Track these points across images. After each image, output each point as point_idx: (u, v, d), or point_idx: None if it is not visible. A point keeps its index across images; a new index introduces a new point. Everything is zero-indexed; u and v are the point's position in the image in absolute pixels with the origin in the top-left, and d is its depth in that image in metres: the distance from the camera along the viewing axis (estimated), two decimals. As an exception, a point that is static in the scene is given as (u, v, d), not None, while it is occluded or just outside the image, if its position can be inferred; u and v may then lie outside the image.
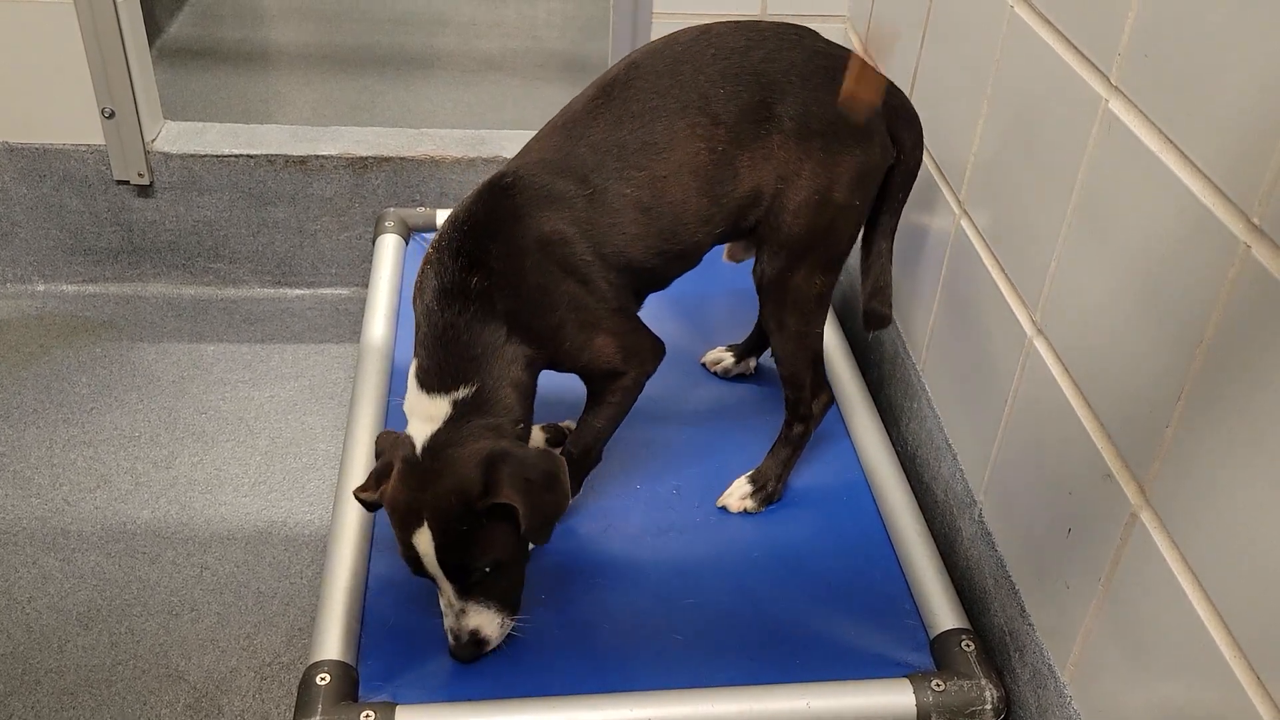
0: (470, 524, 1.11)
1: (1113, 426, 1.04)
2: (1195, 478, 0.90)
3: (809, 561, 1.37)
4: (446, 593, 1.16)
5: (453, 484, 1.11)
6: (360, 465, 1.43)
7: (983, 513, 1.33)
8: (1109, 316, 1.04)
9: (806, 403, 1.40)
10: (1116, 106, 1.03)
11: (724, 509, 1.44)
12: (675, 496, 1.46)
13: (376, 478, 1.17)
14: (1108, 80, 1.05)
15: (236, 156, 1.98)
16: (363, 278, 2.07)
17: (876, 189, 1.32)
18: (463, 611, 1.17)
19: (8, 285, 2.08)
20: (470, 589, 1.15)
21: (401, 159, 2.01)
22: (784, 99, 1.25)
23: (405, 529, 1.13)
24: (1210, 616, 0.88)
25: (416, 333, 1.21)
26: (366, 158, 2.00)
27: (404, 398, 1.20)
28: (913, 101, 1.45)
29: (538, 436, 1.46)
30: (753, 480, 1.45)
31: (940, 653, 1.24)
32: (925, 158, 1.54)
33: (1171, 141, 0.94)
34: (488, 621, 1.17)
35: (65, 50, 1.85)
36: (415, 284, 1.23)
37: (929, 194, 1.52)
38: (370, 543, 1.35)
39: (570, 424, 1.47)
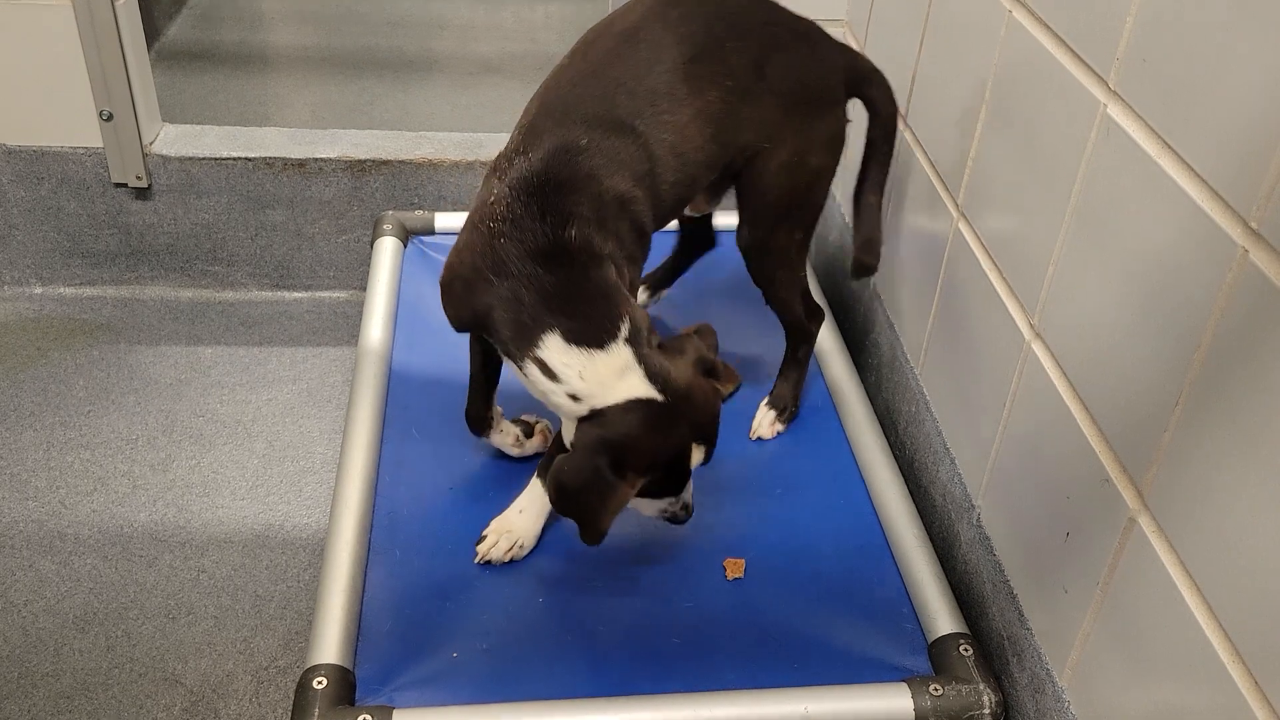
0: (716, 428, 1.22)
1: (1111, 431, 1.04)
2: (1193, 482, 0.90)
3: (806, 565, 1.37)
4: (686, 492, 1.23)
5: (704, 399, 1.19)
6: (358, 468, 1.43)
7: (981, 517, 1.33)
8: (1107, 320, 1.04)
9: (805, 327, 1.54)
10: (1115, 111, 1.03)
11: (759, 440, 1.54)
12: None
13: (620, 471, 1.13)
14: (1106, 85, 1.05)
15: (234, 159, 1.98)
16: (361, 280, 2.07)
17: (843, 151, 1.41)
18: (689, 490, 1.25)
19: (5, 288, 2.07)
20: None
21: (400, 162, 2.01)
22: (771, 61, 1.31)
23: (679, 459, 1.18)
24: (1208, 621, 0.88)
25: (516, 307, 1.15)
26: (365, 161, 2.00)
27: (556, 375, 1.15)
28: (911, 104, 1.45)
29: (510, 429, 1.46)
30: (773, 405, 1.57)
31: (938, 657, 1.24)
32: (923, 161, 1.54)
33: (1169, 146, 0.94)
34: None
35: (63, 53, 1.85)
36: (475, 268, 1.17)
37: (927, 197, 1.52)
38: (367, 546, 1.35)
39: (534, 418, 1.49)
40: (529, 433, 1.48)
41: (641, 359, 1.15)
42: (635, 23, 1.28)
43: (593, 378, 1.14)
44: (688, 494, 1.25)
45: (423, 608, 1.28)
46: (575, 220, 1.16)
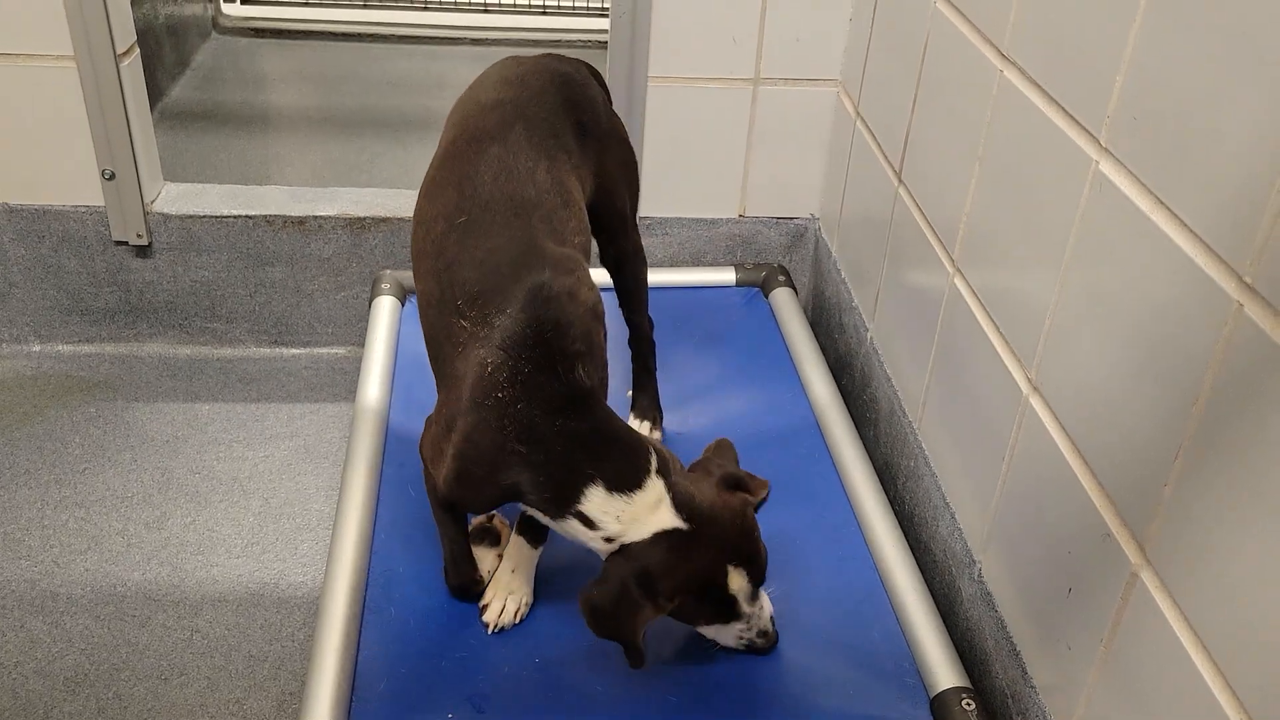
0: (759, 546, 1.24)
1: (1111, 485, 1.03)
2: (1195, 536, 0.90)
3: (807, 620, 1.35)
4: (744, 608, 1.22)
5: (732, 517, 1.20)
6: (354, 527, 1.42)
7: (982, 572, 1.32)
8: (1105, 374, 1.04)
9: (649, 329, 1.61)
10: (1107, 168, 1.04)
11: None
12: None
13: (648, 593, 1.15)
14: (1097, 142, 1.06)
15: (235, 217, 2.00)
16: (359, 337, 2.07)
17: None
18: (763, 609, 1.26)
19: (3, 345, 2.08)
20: None
21: (399, 220, 2.02)
22: (583, 115, 1.39)
23: (713, 581, 1.18)
24: (1213, 676, 0.87)
25: (552, 468, 1.14)
26: (364, 218, 2.02)
27: (595, 520, 1.15)
28: (906, 161, 1.47)
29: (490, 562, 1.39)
30: (643, 418, 1.61)
31: (940, 712, 1.23)
32: (918, 217, 1.55)
33: (1162, 202, 0.95)
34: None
35: (67, 112, 1.87)
36: (497, 445, 1.14)
37: (923, 253, 1.53)
38: (362, 605, 1.33)
39: (488, 519, 1.42)
40: (495, 540, 1.40)
41: (671, 489, 1.16)
42: (490, 153, 1.26)
43: (629, 518, 1.15)
44: (763, 620, 1.26)
45: (418, 668, 1.26)
46: (579, 359, 1.14)
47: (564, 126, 1.35)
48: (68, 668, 1.47)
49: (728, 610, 1.21)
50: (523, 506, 1.22)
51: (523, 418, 1.12)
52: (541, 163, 1.27)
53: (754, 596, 1.23)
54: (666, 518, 1.15)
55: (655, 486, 1.15)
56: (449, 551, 1.34)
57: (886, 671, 1.29)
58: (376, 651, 1.28)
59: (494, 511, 1.41)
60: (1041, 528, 1.17)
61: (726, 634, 1.25)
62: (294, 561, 1.65)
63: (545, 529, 1.31)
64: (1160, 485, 0.94)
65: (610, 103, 1.53)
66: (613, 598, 1.15)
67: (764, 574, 1.22)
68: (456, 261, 1.20)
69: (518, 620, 1.32)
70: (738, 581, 1.19)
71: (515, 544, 1.36)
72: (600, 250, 1.52)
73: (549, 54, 1.48)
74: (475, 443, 1.15)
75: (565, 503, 1.15)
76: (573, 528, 1.16)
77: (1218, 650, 0.87)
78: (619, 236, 1.51)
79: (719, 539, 1.18)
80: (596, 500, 1.14)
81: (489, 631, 1.31)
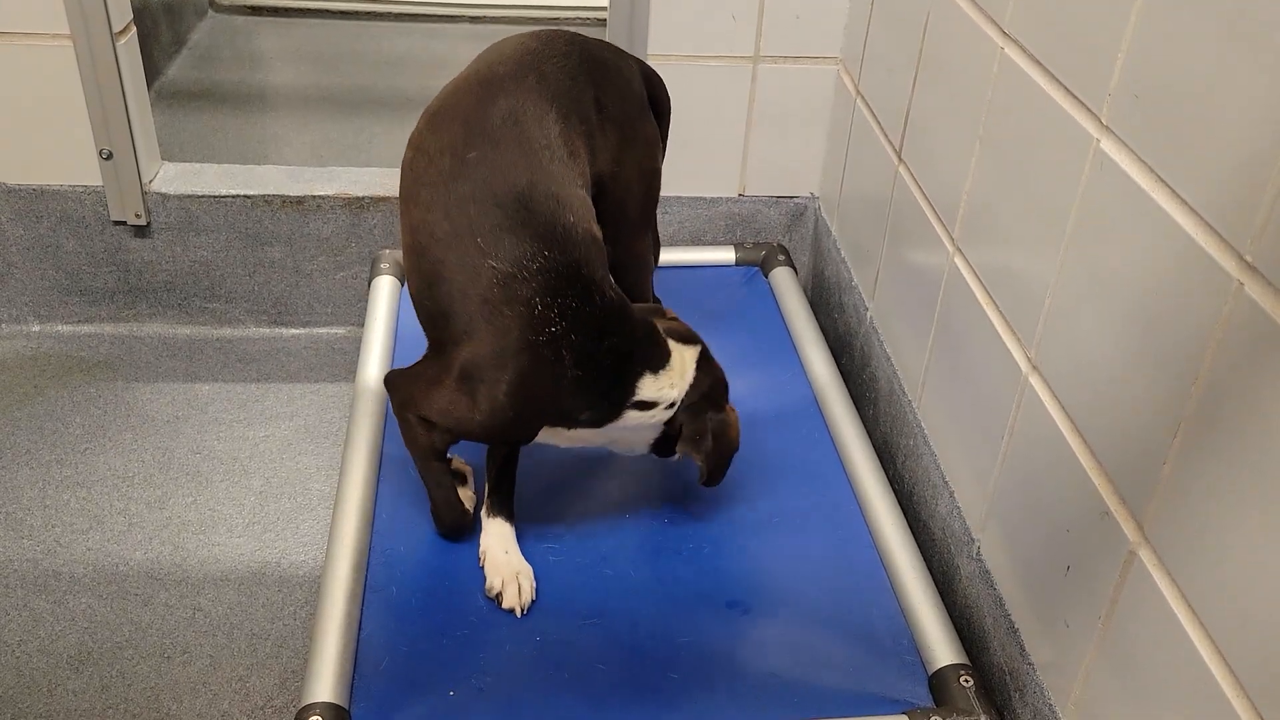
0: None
1: (1110, 463, 1.04)
2: (1193, 514, 0.90)
3: (805, 599, 1.36)
4: None
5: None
6: (355, 506, 1.43)
7: (981, 550, 1.33)
8: (1104, 353, 1.04)
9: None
10: (1108, 146, 1.04)
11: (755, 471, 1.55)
12: (668, 525, 1.45)
13: (713, 401, 1.34)
14: (1099, 120, 1.06)
15: (233, 197, 1.99)
16: (358, 317, 2.07)
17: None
18: None
19: (3, 326, 2.07)
20: None
21: (397, 199, 2.01)
22: (604, 93, 1.40)
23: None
24: (1211, 654, 0.87)
25: (603, 379, 1.26)
26: (363, 198, 2.01)
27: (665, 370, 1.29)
28: (906, 140, 1.46)
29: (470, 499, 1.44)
30: None
31: (939, 689, 1.24)
32: (918, 196, 1.55)
33: (1163, 180, 0.95)
34: None
35: (64, 91, 1.87)
36: (556, 376, 1.23)
37: (923, 232, 1.53)
38: (364, 583, 1.34)
39: (459, 462, 1.47)
40: (463, 479, 1.46)
41: (671, 334, 1.33)
42: (500, 96, 1.29)
43: (679, 378, 1.31)
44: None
45: (419, 645, 1.27)
46: (606, 282, 1.26)
47: (583, 95, 1.37)
48: (71, 646, 1.48)
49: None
50: (549, 437, 1.33)
51: (575, 345, 1.22)
52: (551, 113, 1.31)
53: None
54: (689, 354, 1.33)
55: (673, 345, 1.31)
56: (441, 497, 1.37)
57: (885, 649, 1.30)
58: (378, 630, 1.28)
59: (456, 457, 1.46)
60: (1040, 506, 1.17)
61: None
62: (295, 540, 1.66)
63: (512, 502, 1.40)
64: (1159, 464, 0.94)
65: (664, 116, 1.55)
66: (731, 430, 1.36)
67: None
68: (471, 197, 1.23)
69: (534, 596, 1.33)
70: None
71: (494, 526, 1.38)
72: None
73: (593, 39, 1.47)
74: (534, 375, 1.22)
75: (621, 401, 1.28)
76: (628, 420, 1.29)
77: (1215, 628, 0.87)
78: (620, 238, 1.47)
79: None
80: (649, 385, 1.28)
81: (518, 615, 1.31)
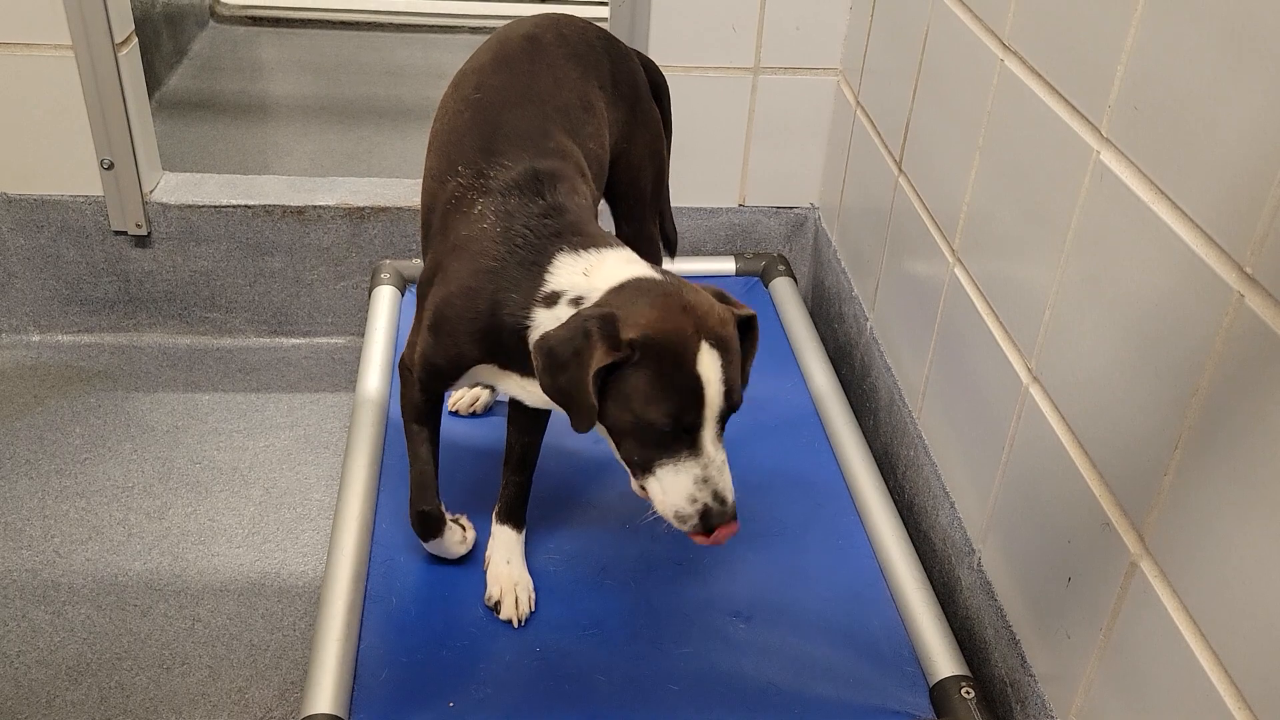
0: (737, 351, 1.07)
1: (1110, 475, 1.04)
2: (1194, 525, 0.90)
3: (806, 610, 1.36)
4: (707, 439, 1.04)
5: (710, 305, 1.06)
6: (355, 516, 1.43)
7: (981, 561, 1.33)
8: (1105, 364, 1.05)
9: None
10: (1108, 158, 1.04)
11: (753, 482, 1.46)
12: (667, 536, 1.45)
13: (605, 333, 1.02)
14: (1099, 132, 1.06)
15: (234, 207, 1.99)
16: (358, 326, 2.07)
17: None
18: (725, 464, 1.05)
19: (3, 336, 2.07)
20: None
21: (398, 209, 2.02)
22: (617, 70, 1.43)
23: (685, 349, 1.02)
24: (1212, 665, 0.87)
25: (527, 252, 1.13)
26: (363, 208, 2.01)
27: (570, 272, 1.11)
28: (906, 151, 1.46)
29: (455, 526, 1.38)
30: None
31: (940, 700, 1.23)
32: (918, 206, 1.55)
33: (1163, 192, 0.95)
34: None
35: (65, 102, 1.87)
36: (501, 257, 1.13)
37: (923, 242, 1.53)
38: (364, 594, 1.34)
39: (455, 516, 1.41)
40: (462, 533, 1.40)
41: (644, 260, 1.14)
42: (520, 53, 1.33)
43: (595, 269, 1.10)
44: (723, 479, 1.06)
45: (419, 656, 1.27)
46: (566, 194, 1.18)
47: (601, 63, 1.40)
48: (70, 657, 1.47)
49: (689, 426, 1.04)
50: (505, 385, 1.20)
51: (501, 236, 1.14)
52: (569, 70, 1.34)
53: (718, 434, 1.06)
54: (639, 269, 1.09)
55: (626, 250, 1.13)
56: (415, 474, 1.31)
57: (886, 660, 1.30)
58: (377, 640, 1.28)
59: (460, 515, 1.42)
60: (1041, 517, 1.17)
61: (677, 483, 1.06)
62: (295, 551, 1.65)
63: (523, 510, 1.37)
64: (1160, 475, 0.94)
65: (663, 99, 1.55)
66: (567, 337, 1.03)
67: (739, 397, 1.06)
68: (465, 132, 1.26)
69: (532, 608, 1.33)
70: (709, 365, 1.02)
71: (502, 534, 1.37)
72: (614, 227, 1.52)
73: None
74: (459, 272, 1.15)
75: (533, 292, 1.11)
76: (538, 317, 1.10)
77: (1216, 639, 0.87)
78: (633, 217, 1.51)
79: (697, 309, 1.05)
80: (563, 265, 1.10)
81: (515, 626, 1.31)
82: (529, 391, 1.19)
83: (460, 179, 1.22)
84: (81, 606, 1.55)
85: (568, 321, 1.05)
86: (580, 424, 1.05)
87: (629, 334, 1.02)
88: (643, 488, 1.10)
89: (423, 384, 1.26)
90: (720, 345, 1.04)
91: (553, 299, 1.10)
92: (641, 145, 1.48)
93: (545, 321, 1.10)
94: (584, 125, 1.32)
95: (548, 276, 1.11)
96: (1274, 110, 0.81)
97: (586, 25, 1.45)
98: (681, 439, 1.05)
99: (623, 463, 1.11)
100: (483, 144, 1.23)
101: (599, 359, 1.01)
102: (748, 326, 1.10)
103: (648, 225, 1.54)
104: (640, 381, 1.02)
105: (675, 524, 1.09)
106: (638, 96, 1.47)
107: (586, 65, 1.38)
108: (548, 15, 1.43)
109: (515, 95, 1.29)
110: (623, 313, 1.03)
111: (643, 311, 1.03)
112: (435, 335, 1.20)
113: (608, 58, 1.43)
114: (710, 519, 1.06)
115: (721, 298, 1.12)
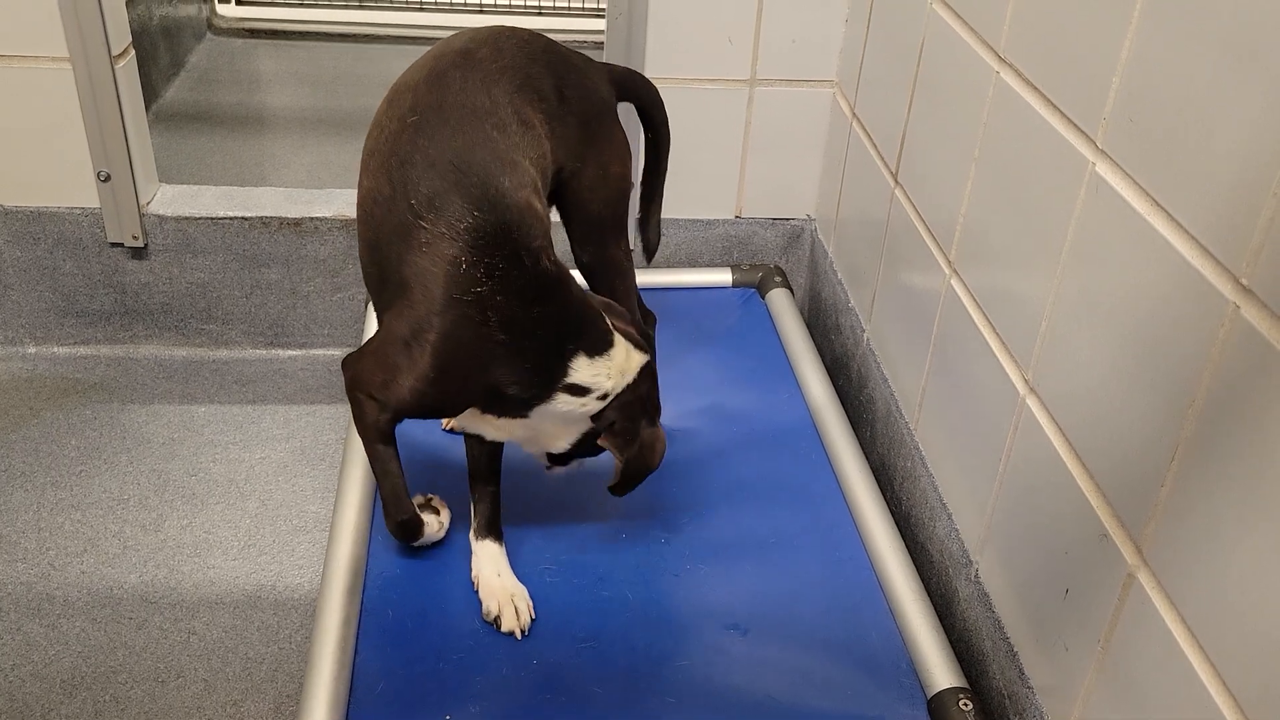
0: None
1: (1108, 486, 1.04)
2: (1192, 537, 0.90)
3: (803, 621, 1.36)
4: None
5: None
6: (351, 528, 1.42)
7: (979, 573, 1.33)
8: (1101, 376, 1.05)
9: (645, 331, 1.53)
10: (1103, 169, 1.04)
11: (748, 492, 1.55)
12: (664, 547, 1.45)
13: (649, 415, 1.32)
14: (1094, 144, 1.06)
15: (231, 219, 1.99)
16: (355, 338, 2.07)
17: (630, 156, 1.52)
18: None
19: (-1, 347, 2.07)
20: None
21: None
22: (566, 84, 1.39)
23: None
24: (1210, 677, 0.87)
25: (537, 352, 1.22)
26: (360, 220, 2.01)
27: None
28: (902, 163, 1.46)
29: (431, 517, 1.41)
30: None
31: (938, 713, 1.23)
32: (915, 218, 1.55)
33: (1159, 204, 0.95)
34: None
35: (62, 113, 1.87)
36: (480, 338, 1.19)
37: (920, 254, 1.53)
38: (360, 607, 1.33)
39: (424, 497, 1.44)
40: (436, 512, 1.43)
41: (623, 334, 1.28)
42: (453, 68, 1.30)
43: (618, 371, 1.26)
44: None
45: (415, 669, 1.26)
46: (543, 252, 1.20)
47: (540, 77, 1.36)
48: (64, 670, 1.47)
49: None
50: (478, 425, 1.28)
51: (502, 308, 1.17)
52: (503, 85, 1.31)
53: None
54: (637, 357, 1.28)
55: (618, 339, 1.26)
56: (389, 488, 1.31)
57: (883, 672, 1.29)
58: (374, 653, 1.28)
59: (431, 496, 1.45)
60: (1038, 529, 1.17)
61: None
62: (291, 563, 1.65)
63: (499, 522, 1.39)
64: (1157, 486, 0.94)
65: (656, 110, 1.55)
66: (658, 444, 1.33)
67: None
68: (409, 160, 1.23)
69: (532, 616, 1.33)
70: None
71: (484, 549, 1.37)
72: (573, 254, 1.49)
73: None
74: (457, 338, 1.17)
75: (552, 381, 1.22)
76: (558, 404, 1.24)
77: (1214, 651, 0.87)
78: (589, 241, 1.47)
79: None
80: (583, 368, 1.23)
81: (518, 637, 1.31)
82: (499, 429, 1.30)
83: (422, 220, 1.19)
84: (76, 619, 1.54)
85: (644, 431, 1.32)
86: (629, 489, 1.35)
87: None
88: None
89: (398, 413, 1.26)
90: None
91: (578, 391, 1.24)
92: (594, 166, 1.42)
93: (561, 406, 1.24)
94: (523, 140, 1.28)
95: (570, 373, 1.23)
96: (1269, 121, 0.81)
97: (532, 37, 1.41)
98: None
99: (560, 462, 1.35)
100: (433, 176, 1.20)
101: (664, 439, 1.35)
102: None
103: (609, 249, 1.49)
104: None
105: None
106: (593, 114, 1.42)
107: (523, 79, 1.34)
108: (489, 28, 1.40)
109: (454, 115, 1.25)
110: (654, 392, 1.33)
111: (654, 388, 1.33)
112: (440, 376, 1.20)
113: (551, 72, 1.38)
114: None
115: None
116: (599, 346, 1.24)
